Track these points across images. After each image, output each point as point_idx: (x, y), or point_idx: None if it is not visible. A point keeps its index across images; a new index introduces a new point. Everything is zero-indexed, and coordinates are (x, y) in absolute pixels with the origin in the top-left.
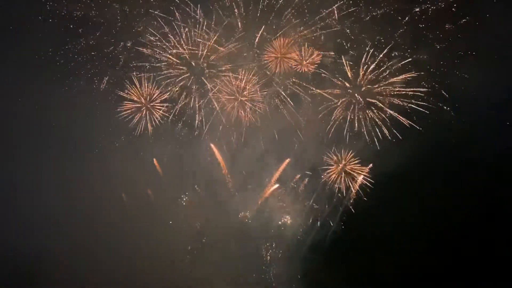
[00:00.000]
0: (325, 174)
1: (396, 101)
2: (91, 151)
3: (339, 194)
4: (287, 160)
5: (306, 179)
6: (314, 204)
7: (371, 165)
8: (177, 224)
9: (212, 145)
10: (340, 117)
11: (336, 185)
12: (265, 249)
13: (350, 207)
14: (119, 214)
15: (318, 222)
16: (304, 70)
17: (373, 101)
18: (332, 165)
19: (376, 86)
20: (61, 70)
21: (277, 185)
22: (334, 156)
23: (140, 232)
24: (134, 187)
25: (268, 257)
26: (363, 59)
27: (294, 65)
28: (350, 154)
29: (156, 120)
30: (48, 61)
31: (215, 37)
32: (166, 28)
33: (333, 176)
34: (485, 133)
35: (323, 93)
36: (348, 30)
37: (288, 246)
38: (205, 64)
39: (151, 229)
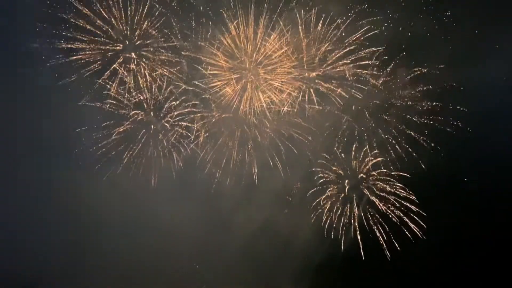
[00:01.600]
0: (334, 191)
1: (407, 116)
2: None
3: (353, 210)
4: (297, 185)
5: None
6: (326, 222)
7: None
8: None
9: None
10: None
11: (347, 202)
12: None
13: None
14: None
15: (329, 239)
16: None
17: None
18: (341, 182)
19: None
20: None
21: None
22: (343, 173)
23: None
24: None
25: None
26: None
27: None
28: (363, 168)
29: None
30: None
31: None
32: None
33: (343, 193)
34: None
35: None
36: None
37: (297, 266)
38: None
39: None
